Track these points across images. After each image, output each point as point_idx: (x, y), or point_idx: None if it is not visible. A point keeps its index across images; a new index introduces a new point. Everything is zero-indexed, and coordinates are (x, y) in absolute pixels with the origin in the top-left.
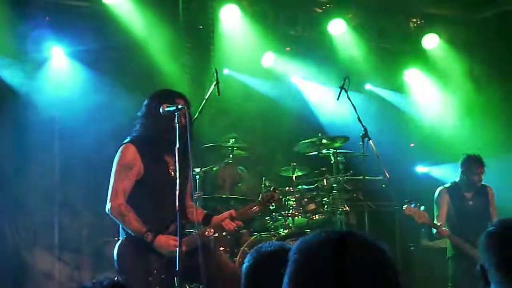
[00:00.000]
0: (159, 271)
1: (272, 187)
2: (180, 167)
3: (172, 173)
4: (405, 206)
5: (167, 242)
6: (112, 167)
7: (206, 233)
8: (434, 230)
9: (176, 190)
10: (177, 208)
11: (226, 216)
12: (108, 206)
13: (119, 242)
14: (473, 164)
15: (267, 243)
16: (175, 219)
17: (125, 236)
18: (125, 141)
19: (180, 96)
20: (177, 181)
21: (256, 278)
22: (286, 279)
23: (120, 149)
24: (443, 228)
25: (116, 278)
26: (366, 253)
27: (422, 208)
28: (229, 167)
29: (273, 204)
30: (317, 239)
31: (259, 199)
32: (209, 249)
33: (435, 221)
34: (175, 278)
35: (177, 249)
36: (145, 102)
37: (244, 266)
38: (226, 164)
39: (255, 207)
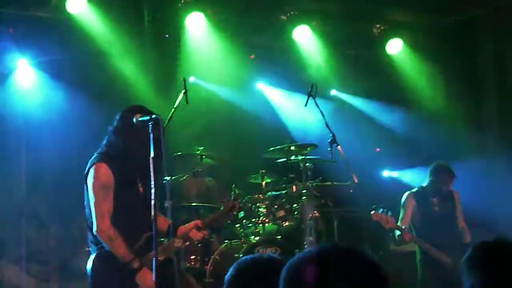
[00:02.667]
0: (134, 286)
1: (233, 196)
2: (155, 177)
3: (141, 189)
4: (372, 212)
5: (147, 279)
6: (86, 185)
7: (175, 244)
8: (398, 232)
9: (144, 204)
10: (152, 216)
11: (192, 226)
12: (95, 228)
13: (92, 257)
14: (444, 174)
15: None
16: (146, 231)
17: (97, 251)
18: (95, 159)
19: (156, 121)
20: (153, 190)
21: None
22: None
23: (93, 169)
24: (407, 231)
25: None
26: (361, 273)
27: (389, 213)
28: (196, 177)
29: (236, 212)
30: (304, 258)
31: (221, 208)
32: (178, 267)
33: (398, 223)
34: None
35: (154, 259)
36: (117, 116)
37: (226, 277)
38: (194, 173)
39: (218, 217)
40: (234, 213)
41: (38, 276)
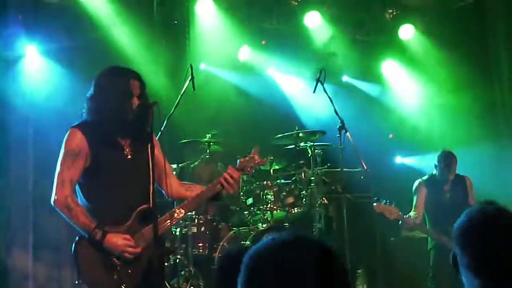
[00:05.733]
0: (124, 265)
1: (252, 149)
2: (138, 149)
3: (129, 156)
4: (375, 204)
5: (115, 242)
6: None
7: (176, 214)
8: (400, 222)
9: (134, 175)
10: (151, 203)
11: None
12: (53, 198)
13: (75, 240)
14: (450, 160)
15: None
16: (138, 204)
17: (79, 235)
18: (71, 126)
19: (133, 76)
20: (151, 173)
21: (223, 280)
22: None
23: (66, 134)
24: (415, 221)
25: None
26: (320, 259)
27: (393, 204)
28: (207, 164)
29: (252, 169)
30: (267, 246)
31: (237, 165)
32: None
33: (412, 211)
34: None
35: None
36: (95, 82)
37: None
38: (204, 160)
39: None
40: (253, 168)
41: (49, 263)
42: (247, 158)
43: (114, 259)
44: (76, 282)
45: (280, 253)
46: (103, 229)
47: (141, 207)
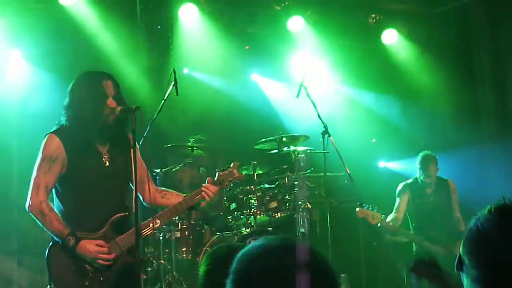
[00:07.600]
0: (96, 272)
1: (231, 163)
2: (117, 155)
3: (107, 162)
4: (357, 209)
5: (88, 248)
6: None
7: (151, 225)
8: (379, 224)
9: (111, 181)
10: (133, 209)
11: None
12: (28, 203)
13: (49, 245)
14: (426, 163)
15: (223, 245)
16: (114, 212)
17: (53, 240)
18: (48, 132)
19: (106, 77)
20: (134, 179)
21: (212, 283)
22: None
23: (44, 140)
24: (393, 225)
25: None
26: (312, 263)
27: (375, 209)
28: (189, 168)
29: (229, 183)
30: (256, 250)
31: (215, 178)
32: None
33: (393, 213)
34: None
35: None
36: (69, 89)
37: (201, 270)
38: (185, 164)
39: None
40: (231, 182)
41: (33, 268)
42: (226, 172)
43: (87, 265)
44: (48, 287)
45: (269, 257)
46: (76, 236)
47: (116, 215)
